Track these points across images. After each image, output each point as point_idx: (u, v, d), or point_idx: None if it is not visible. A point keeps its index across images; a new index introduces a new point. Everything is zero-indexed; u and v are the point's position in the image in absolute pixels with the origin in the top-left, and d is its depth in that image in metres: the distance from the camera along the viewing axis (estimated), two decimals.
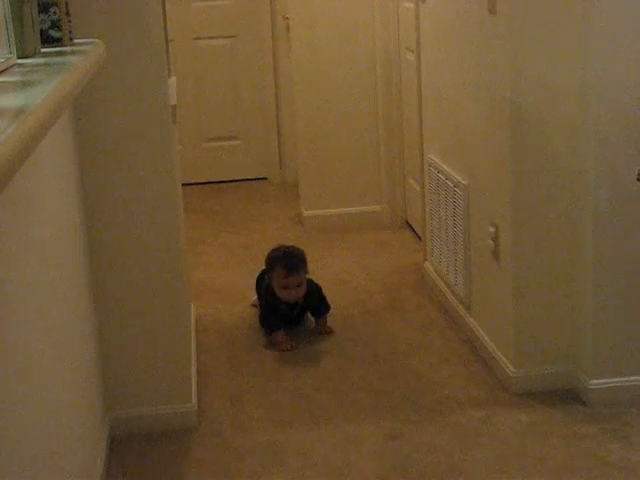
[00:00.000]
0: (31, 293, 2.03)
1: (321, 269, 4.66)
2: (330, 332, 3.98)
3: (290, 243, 4.33)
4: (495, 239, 3.39)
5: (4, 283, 1.75)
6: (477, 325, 3.72)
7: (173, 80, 3.47)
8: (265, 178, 6.84)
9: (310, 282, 4.01)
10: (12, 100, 1.42)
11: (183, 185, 3.97)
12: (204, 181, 6.71)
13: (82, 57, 1.95)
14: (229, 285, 4.65)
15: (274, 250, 4.08)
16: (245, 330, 4.07)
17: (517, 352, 3.33)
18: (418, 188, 4.86)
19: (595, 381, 3.22)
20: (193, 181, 6.49)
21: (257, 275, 4.25)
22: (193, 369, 3.40)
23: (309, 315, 4.08)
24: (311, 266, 4.75)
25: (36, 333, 2.04)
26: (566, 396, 3.29)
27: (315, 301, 4.02)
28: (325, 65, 5.39)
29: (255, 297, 4.26)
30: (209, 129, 6.74)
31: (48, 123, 1.30)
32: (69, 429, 2.40)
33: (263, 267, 4.13)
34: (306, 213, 5.56)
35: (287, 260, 3.94)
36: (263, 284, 4.10)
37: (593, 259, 3.14)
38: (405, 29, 5.06)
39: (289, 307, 3.97)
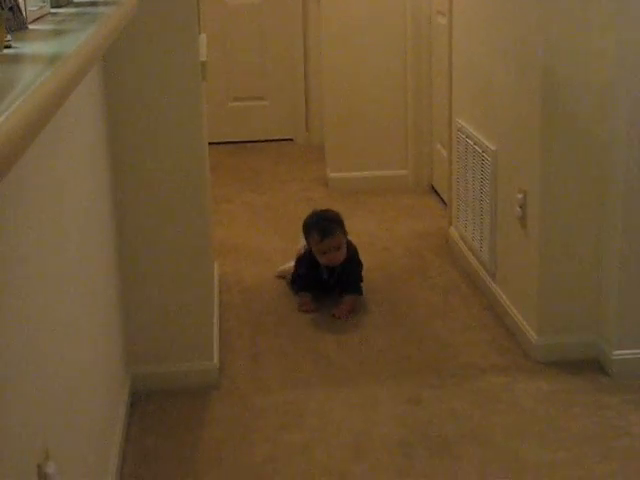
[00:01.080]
0: (57, 248, 2.03)
1: None
2: (345, 318, 3.74)
3: (322, 207, 4.21)
4: (522, 206, 3.36)
5: (29, 235, 1.75)
6: (501, 292, 3.70)
7: (203, 37, 3.44)
8: (291, 139, 6.81)
9: (352, 251, 3.92)
10: (46, 47, 1.41)
11: (209, 144, 3.95)
12: (230, 140, 6.69)
13: (115, 8, 1.93)
14: (252, 245, 4.65)
15: (309, 217, 4.00)
16: (267, 290, 4.07)
17: (541, 320, 3.31)
18: (445, 153, 4.83)
19: (618, 352, 3.20)
20: (219, 140, 6.46)
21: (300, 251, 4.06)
22: (215, 327, 3.41)
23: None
24: None
25: (60, 289, 2.04)
26: (588, 366, 3.28)
27: (352, 275, 3.90)
28: (354, 27, 5.34)
29: (281, 267, 4.19)
30: (236, 88, 6.72)
31: (82, 71, 1.29)
32: (91, 383, 2.41)
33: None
34: (331, 175, 5.54)
35: (321, 224, 3.87)
36: (303, 256, 4.00)
37: (621, 228, 3.11)
38: None
39: (329, 273, 3.90)
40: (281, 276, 4.17)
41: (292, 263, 4.06)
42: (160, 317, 3.19)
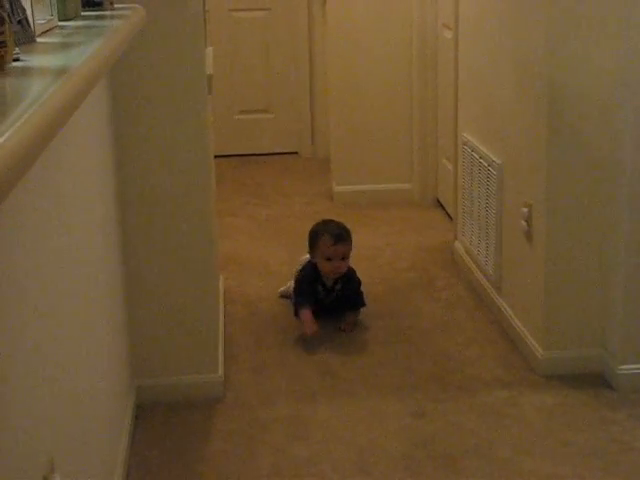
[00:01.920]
0: (63, 259, 2.03)
1: None
2: (351, 331, 3.75)
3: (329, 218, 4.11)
4: (528, 220, 3.36)
5: (35, 247, 1.75)
6: (506, 306, 3.70)
7: (210, 50, 3.46)
8: (296, 152, 6.82)
9: (351, 270, 3.89)
10: (54, 60, 1.42)
11: (214, 157, 3.96)
12: (235, 153, 6.70)
13: (122, 21, 1.94)
14: (257, 258, 4.65)
15: (318, 224, 3.95)
16: (272, 304, 4.07)
17: (546, 334, 3.31)
18: (450, 167, 4.83)
19: (624, 366, 3.19)
20: (224, 153, 6.47)
21: (299, 269, 3.99)
22: (220, 340, 3.41)
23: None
24: None
25: (67, 301, 2.05)
26: (594, 380, 3.27)
27: (352, 292, 3.86)
28: (360, 41, 5.35)
29: (283, 288, 4.13)
30: (242, 101, 6.73)
31: (89, 84, 1.30)
32: (96, 395, 2.41)
33: (305, 255, 4.00)
34: (337, 188, 5.54)
35: (335, 229, 3.84)
36: (303, 269, 3.92)
37: (627, 243, 3.11)
38: (443, 5, 5.02)
39: (326, 290, 3.84)
40: (284, 296, 4.10)
41: (291, 282, 4.01)
42: (165, 329, 3.20)
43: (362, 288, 3.91)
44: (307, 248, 3.94)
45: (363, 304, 3.87)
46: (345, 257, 3.80)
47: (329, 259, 3.77)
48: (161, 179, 3.07)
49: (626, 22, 3.00)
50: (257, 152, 6.78)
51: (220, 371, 3.27)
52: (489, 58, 3.84)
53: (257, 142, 6.79)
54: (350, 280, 3.86)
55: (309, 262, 3.88)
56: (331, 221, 3.97)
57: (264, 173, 6.35)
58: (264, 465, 2.84)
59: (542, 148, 3.19)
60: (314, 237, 3.86)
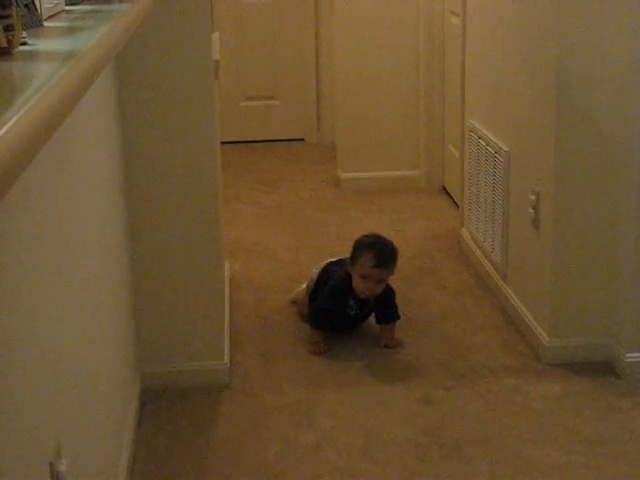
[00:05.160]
0: (68, 244, 2.02)
1: (356, 231, 4.62)
2: (398, 345, 3.52)
3: (378, 233, 3.72)
4: (536, 207, 3.35)
5: (44, 237, 1.74)
6: (513, 293, 3.69)
7: (216, 35, 3.44)
8: (302, 139, 6.80)
9: (387, 285, 3.56)
10: (61, 44, 1.41)
11: (220, 143, 3.95)
12: (241, 140, 6.69)
13: (130, 5, 1.93)
14: (263, 244, 4.64)
15: (366, 236, 3.60)
16: (278, 290, 4.06)
17: (553, 322, 3.30)
18: (457, 154, 4.82)
19: (631, 354, 3.19)
20: (230, 140, 6.46)
21: (321, 268, 3.76)
22: (226, 326, 3.40)
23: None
24: (345, 229, 4.73)
25: (74, 290, 2.04)
26: (601, 368, 3.26)
27: (385, 307, 3.57)
28: (367, 27, 5.33)
29: (297, 291, 3.90)
30: (248, 88, 6.71)
31: (97, 68, 1.29)
32: (102, 382, 2.41)
33: (330, 259, 3.77)
34: (343, 175, 5.53)
35: (382, 249, 3.50)
36: (330, 275, 3.65)
37: (635, 230, 3.10)
38: None
39: (358, 306, 3.54)
40: (295, 301, 3.88)
41: (304, 286, 3.83)
42: (171, 316, 3.19)
43: (396, 300, 3.62)
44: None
45: (398, 316, 3.59)
46: (383, 281, 3.50)
47: (364, 277, 3.46)
48: (168, 164, 3.06)
49: (636, 8, 2.98)
50: (263, 139, 6.77)
51: (226, 358, 3.27)
52: (497, 45, 3.82)
53: (263, 129, 6.79)
54: (385, 295, 3.55)
55: (346, 271, 3.55)
56: (380, 239, 3.58)
57: (270, 160, 6.34)
58: (270, 452, 2.84)
59: (551, 135, 3.18)
60: (357, 250, 3.52)
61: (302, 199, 5.37)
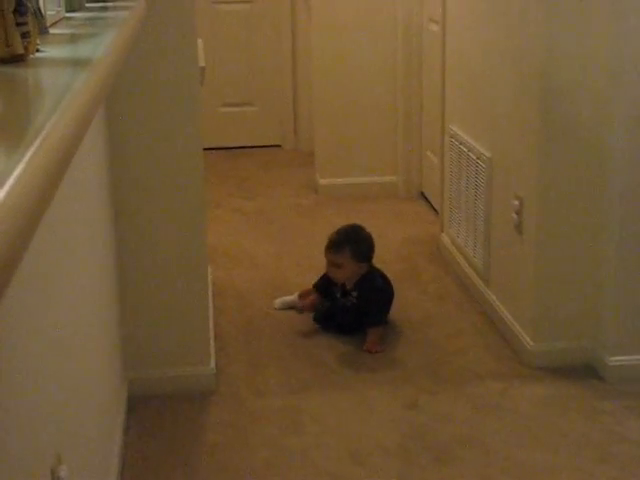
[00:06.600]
0: (54, 254, 2.02)
1: None
2: (377, 351, 3.49)
3: (352, 222, 3.92)
4: (519, 212, 3.37)
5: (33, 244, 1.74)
6: (495, 298, 3.71)
7: (200, 42, 3.45)
8: (279, 145, 6.81)
9: (376, 280, 3.66)
10: (73, 51, 1.41)
11: None
12: (218, 146, 6.67)
13: (128, 12, 1.94)
14: (243, 250, 4.64)
15: (342, 226, 3.80)
16: (260, 295, 4.07)
17: (536, 326, 3.33)
18: (435, 160, 4.84)
19: (615, 358, 3.22)
20: (207, 146, 6.41)
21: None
22: (211, 332, 3.40)
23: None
24: (324, 235, 4.74)
25: (61, 295, 2.04)
26: (584, 372, 3.29)
27: (370, 302, 3.60)
28: (344, 33, 5.35)
29: (281, 299, 3.93)
30: (225, 94, 6.71)
31: (112, 74, 1.30)
32: (92, 389, 2.40)
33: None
34: (321, 181, 5.54)
35: (334, 234, 3.69)
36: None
37: (618, 235, 3.14)
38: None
39: (343, 293, 3.66)
40: (278, 308, 3.91)
41: (293, 297, 3.92)
42: (156, 322, 3.19)
43: (389, 306, 3.70)
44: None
45: (379, 321, 3.59)
46: (340, 266, 3.60)
47: (327, 262, 3.67)
48: (153, 170, 3.06)
49: (620, 16, 3.01)
50: (240, 145, 6.76)
51: (212, 363, 3.27)
52: (479, 51, 3.84)
53: (240, 135, 6.78)
54: (369, 290, 3.62)
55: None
56: (350, 227, 3.77)
57: (248, 166, 6.34)
58: (258, 457, 2.84)
59: (534, 141, 3.21)
60: None
61: (281, 205, 5.38)
